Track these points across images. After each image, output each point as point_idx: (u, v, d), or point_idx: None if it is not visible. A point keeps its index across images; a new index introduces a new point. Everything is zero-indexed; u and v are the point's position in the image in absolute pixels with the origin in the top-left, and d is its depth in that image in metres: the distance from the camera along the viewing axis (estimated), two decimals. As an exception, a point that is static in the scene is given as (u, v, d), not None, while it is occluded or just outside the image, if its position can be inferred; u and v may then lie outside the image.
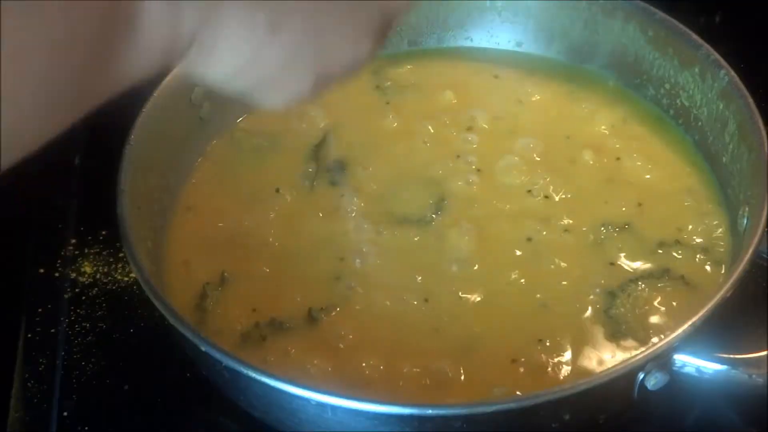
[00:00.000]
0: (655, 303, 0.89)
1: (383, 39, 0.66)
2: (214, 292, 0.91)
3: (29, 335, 0.97)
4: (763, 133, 0.90)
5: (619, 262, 0.92)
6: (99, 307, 0.99)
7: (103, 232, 1.04)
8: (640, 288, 0.89)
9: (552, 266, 0.92)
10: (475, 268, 0.92)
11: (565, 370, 0.84)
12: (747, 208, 0.90)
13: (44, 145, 0.53)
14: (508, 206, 0.97)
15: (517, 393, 0.82)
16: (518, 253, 0.93)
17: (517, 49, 1.14)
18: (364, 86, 1.10)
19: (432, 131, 1.05)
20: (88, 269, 1.02)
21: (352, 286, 0.91)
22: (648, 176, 1.00)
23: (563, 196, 0.98)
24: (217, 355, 0.77)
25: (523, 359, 0.85)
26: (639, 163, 1.00)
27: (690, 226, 0.95)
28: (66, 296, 0.99)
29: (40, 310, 0.99)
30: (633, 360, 0.76)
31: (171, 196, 0.98)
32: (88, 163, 1.11)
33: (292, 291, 0.91)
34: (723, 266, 0.91)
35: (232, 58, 0.59)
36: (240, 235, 0.96)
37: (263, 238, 0.96)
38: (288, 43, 0.60)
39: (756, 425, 0.87)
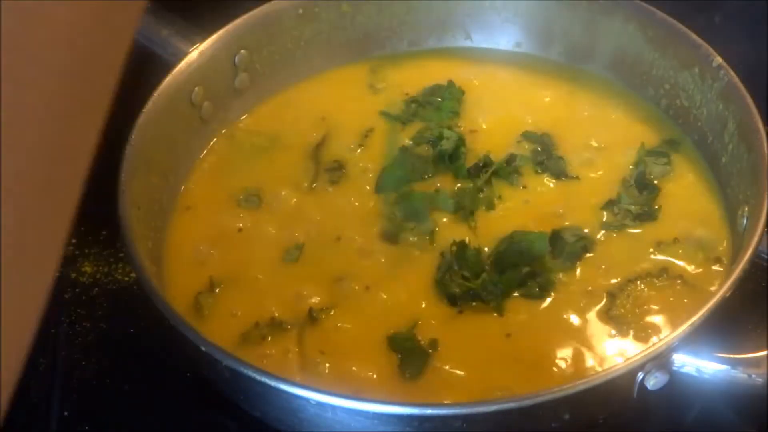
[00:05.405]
0: (655, 303, 0.88)
1: None
2: (214, 293, 0.91)
3: (29, 335, 0.97)
4: (763, 133, 0.90)
5: (618, 262, 0.92)
6: (99, 307, 0.99)
7: (103, 232, 1.04)
8: (639, 288, 0.89)
9: (552, 266, 0.92)
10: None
11: (566, 370, 0.84)
12: (746, 208, 0.90)
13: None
14: (507, 206, 0.97)
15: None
16: (518, 253, 0.93)
17: (517, 49, 1.13)
18: (364, 86, 1.10)
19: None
20: (88, 269, 1.02)
21: (352, 286, 0.91)
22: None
23: (562, 196, 0.98)
24: (217, 355, 0.77)
25: (524, 359, 0.85)
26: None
27: (689, 226, 0.94)
28: (66, 296, 0.99)
29: (40, 310, 0.99)
30: (633, 360, 0.76)
31: (171, 196, 0.98)
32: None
33: (292, 291, 0.91)
34: (723, 266, 0.91)
35: None
36: (240, 234, 0.96)
37: (263, 238, 0.96)
38: None
39: (756, 425, 0.87)
